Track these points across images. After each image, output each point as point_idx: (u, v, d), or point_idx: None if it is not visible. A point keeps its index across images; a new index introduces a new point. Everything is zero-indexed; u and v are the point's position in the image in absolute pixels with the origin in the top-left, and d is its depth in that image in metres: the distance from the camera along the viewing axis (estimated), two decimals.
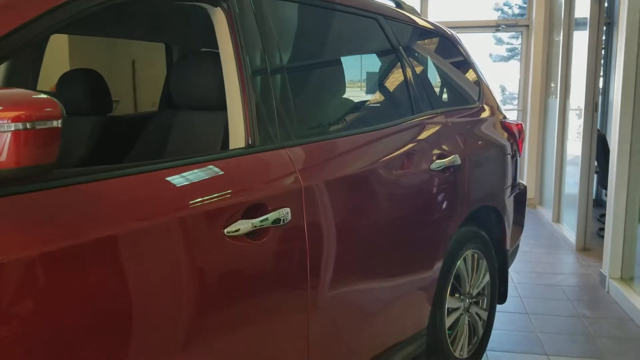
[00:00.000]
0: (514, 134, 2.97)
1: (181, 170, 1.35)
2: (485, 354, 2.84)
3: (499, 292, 2.87)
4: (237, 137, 1.57)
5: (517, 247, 3.19)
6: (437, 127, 2.36)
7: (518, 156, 2.99)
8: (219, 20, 1.59)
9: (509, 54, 7.98)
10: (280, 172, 1.57)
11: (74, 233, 1.09)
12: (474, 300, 2.63)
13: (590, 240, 4.88)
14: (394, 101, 2.33)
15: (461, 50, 2.91)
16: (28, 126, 0.98)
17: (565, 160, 5.63)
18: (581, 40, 5.11)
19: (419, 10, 3.27)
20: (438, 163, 2.21)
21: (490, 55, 7.91)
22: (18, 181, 1.03)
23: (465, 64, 2.91)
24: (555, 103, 5.89)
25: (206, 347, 1.34)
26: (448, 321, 2.42)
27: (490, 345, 2.87)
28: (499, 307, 3.03)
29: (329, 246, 1.69)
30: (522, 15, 7.10)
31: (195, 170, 1.38)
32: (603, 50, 5.30)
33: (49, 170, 1.04)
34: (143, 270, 1.20)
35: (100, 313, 1.12)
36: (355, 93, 2.24)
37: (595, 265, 4.36)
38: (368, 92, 2.33)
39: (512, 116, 6.38)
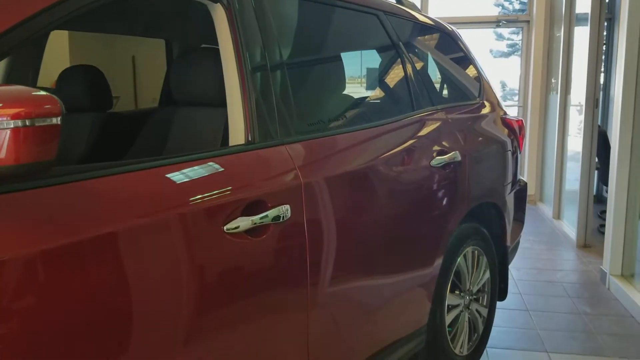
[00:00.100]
0: (515, 130, 2.96)
1: (180, 167, 1.35)
2: (485, 351, 2.84)
3: (499, 288, 2.87)
4: (237, 134, 1.56)
5: (518, 243, 3.19)
6: (438, 124, 2.35)
7: (518, 152, 2.98)
8: (219, 16, 1.59)
9: (510, 49, 7.97)
10: (280, 169, 1.57)
11: (73, 230, 1.09)
12: (474, 297, 2.63)
13: (591, 237, 4.87)
14: (394, 97, 2.32)
15: (461, 46, 2.90)
16: (27, 123, 0.97)
17: (566, 156, 5.62)
18: (582, 35, 5.10)
19: (419, 6, 3.27)
20: (438, 159, 2.21)
21: (491, 51, 7.90)
22: (17, 178, 1.02)
23: (466, 59, 2.90)
24: (556, 99, 5.88)
25: (206, 344, 1.34)
26: (448, 318, 2.42)
27: (490, 342, 2.87)
28: (499, 304, 3.03)
29: (329, 243, 1.69)
30: (522, 10, 7.08)
31: (195, 167, 1.38)
32: (604, 46, 5.29)
33: (48, 167, 1.03)
34: (142, 267, 1.20)
35: (99, 310, 1.12)
36: (356, 89, 2.24)
37: (595, 261, 4.36)
38: (368, 88, 2.33)
39: (512, 112, 6.36)
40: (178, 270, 1.27)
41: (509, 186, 2.85)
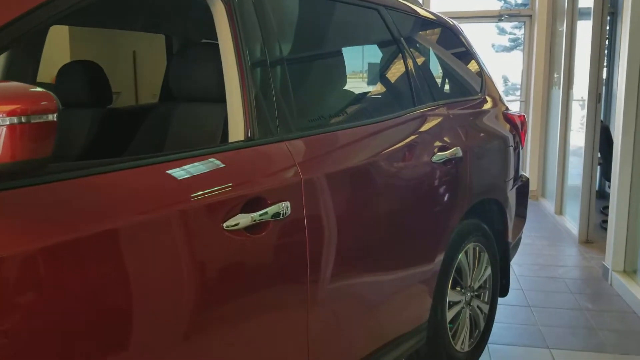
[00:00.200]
0: (517, 126, 2.95)
1: (179, 163, 1.34)
2: (486, 348, 2.83)
3: (500, 285, 2.86)
4: (237, 130, 1.55)
5: (520, 239, 3.18)
6: (439, 119, 2.34)
7: (520, 148, 2.97)
8: (218, 11, 1.57)
9: (512, 44, 7.94)
10: (280, 166, 1.56)
11: (69, 228, 1.08)
12: (476, 293, 2.62)
13: (593, 233, 4.86)
14: (395, 93, 2.31)
15: (463, 40, 2.88)
16: (23, 120, 0.96)
17: (568, 151, 5.60)
18: (585, 30, 5.07)
19: (420, 1, 3.25)
20: (439, 155, 2.19)
21: (493, 46, 7.87)
22: (13, 175, 1.01)
23: (468, 54, 2.89)
24: (558, 94, 5.85)
25: (205, 341, 1.34)
26: (449, 315, 2.41)
27: (491, 338, 2.86)
28: (500, 300, 3.02)
29: (329, 240, 1.68)
30: (525, 5, 7.05)
31: (194, 164, 1.37)
32: (607, 41, 5.26)
33: (44, 164, 1.02)
34: (140, 265, 1.19)
35: (96, 307, 1.12)
36: (356, 85, 2.22)
37: (597, 257, 4.35)
38: (369, 84, 2.31)
39: (514, 107, 6.34)
40: (176, 268, 1.26)
41: (511, 182, 2.83)
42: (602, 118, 4.93)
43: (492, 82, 2.98)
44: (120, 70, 3.93)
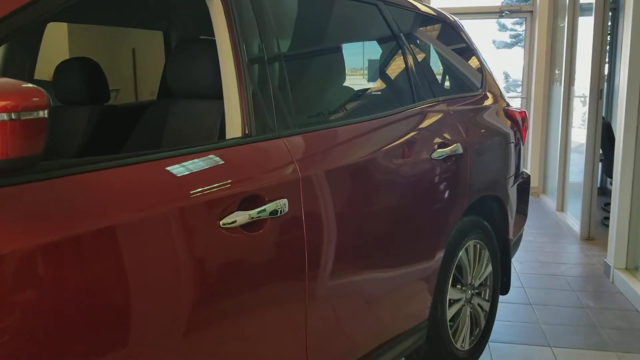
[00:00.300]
0: (518, 122, 2.93)
1: (176, 160, 1.33)
2: (487, 346, 2.82)
3: (501, 282, 2.85)
4: (234, 127, 1.53)
5: (521, 236, 3.16)
6: (439, 116, 2.32)
7: (521, 144, 2.95)
8: (215, 7, 1.56)
9: (513, 40, 7.92)
10: (278, 163, 1.54)
11: (64, 225, 1.07)
12: (476, 291, 2.61)
13: (595, 230, 4.84)
14: (395, 89, 2.29)
15: (464, 36, 2.86)
16: (14, 116, 0.95)
17: (570, 148, 5.58)
18: (586, 26, 5.05)
19: None
20: (439, 152, 2.17)
21: (494, 42, 7.85)
22: (3, 173, 1.00)
23: (468, 50, 2.87)
24: (559, 90, 5.83)
25: (202, 338, 1.32)
26: (450, 313, 2.39)
27: (492, 336, 2.85)
28: (501, 297, 3.01)
29: (328, 238, 1.66)
30: (526, 0, 7.02)
31: (191, 161, 1.35)
32: (608, 36, 5.23)
33: (36, 161, 1.01)
34: (136, 261, 1.18)
35: (92, 304, 1.10)
36: (355, 81, 2.21)
37: (599, 255, 4.33)
38: (368, 80, 2.30)
39: (515, 104, 6.32)
40: (172, 266, 1.25)
41: (512, 179, 2.82)
42: (603, 114, 4.91)
43: (493, 78, 2.96)
44: (120, 67, 3.91)
